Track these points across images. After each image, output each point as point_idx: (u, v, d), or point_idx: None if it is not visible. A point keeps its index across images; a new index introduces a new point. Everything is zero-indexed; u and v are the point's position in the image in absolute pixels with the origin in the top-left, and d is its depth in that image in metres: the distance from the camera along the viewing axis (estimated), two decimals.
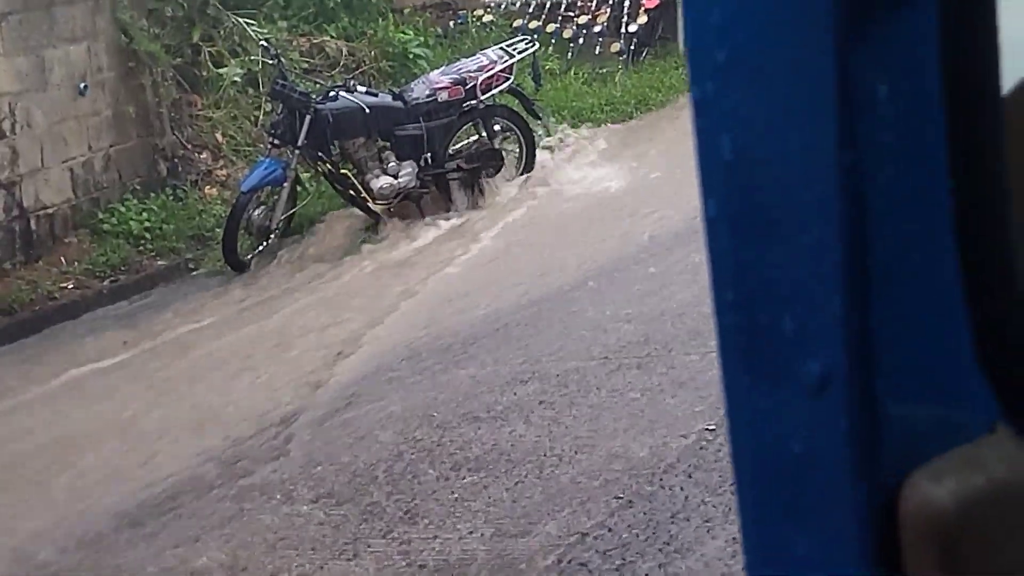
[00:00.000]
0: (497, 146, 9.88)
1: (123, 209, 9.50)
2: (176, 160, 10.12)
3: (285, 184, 9.09)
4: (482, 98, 9.70)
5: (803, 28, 0.70)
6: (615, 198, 9.46)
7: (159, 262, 9.13)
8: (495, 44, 10.66)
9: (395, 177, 9.37)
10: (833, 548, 0.77)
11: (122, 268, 8.96)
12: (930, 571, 0.73)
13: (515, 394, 6.05)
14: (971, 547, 0.73)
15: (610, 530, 4.68)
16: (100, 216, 9.41)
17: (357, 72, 11.41)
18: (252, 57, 10.60)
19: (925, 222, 0.73)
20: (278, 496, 5.37)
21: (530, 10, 13.48)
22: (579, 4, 13.39)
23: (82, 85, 9.42)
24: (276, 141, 9.19)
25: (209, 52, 10.54)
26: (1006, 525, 0.74)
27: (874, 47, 0.70)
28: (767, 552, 0.80)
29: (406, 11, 12.92)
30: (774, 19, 0.71)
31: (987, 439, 0.75)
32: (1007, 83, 0.74)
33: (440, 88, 9.60)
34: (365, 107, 9.24)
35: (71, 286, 8.68)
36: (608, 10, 13.18)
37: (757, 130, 0.73)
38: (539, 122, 10.54)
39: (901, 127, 0.72)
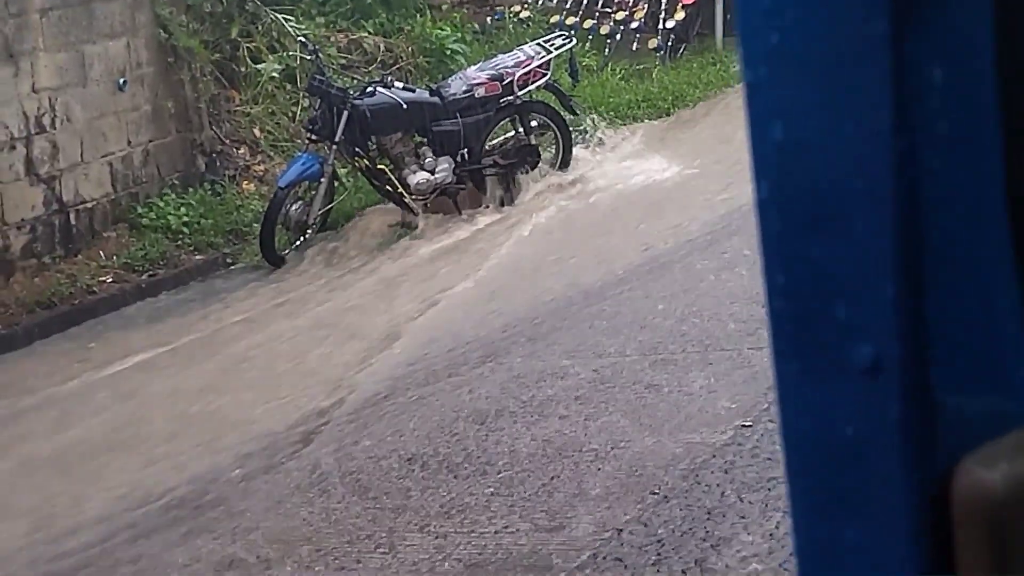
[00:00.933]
0: (534, 142, 9.87)
1: (161, 204, 9.57)
2: (214, 155, 10.18)
3: (322, 179, 9.12)
4: (519, 94, 9.70)
5: (857, 12, 0.70)
6: (651, 194, 9.44)
7: (197, 257, 9.19)
8: (532, 40, 10.65)
9: (432, 172, 9.39)
10: (885, 534, 0.76)
11: (160, 262, 9.02)
12: (981, 554, 0.72)
13: (551, 390, 6.05)
14: (1021, 530, 0.72)
15: (645, 525, 4.67)
16: (139, 211, 9.48)
17: (394, 68, 11.43)
18: (290, 53, 10.64)
19: (979, 209, 0.73)
20: (314, 489, 5.39)
21: (567, 6, 13.46)
22: (617, 1, 13.36)
23: (121, 80, 9.49)
24: (313, 136, 9.23)
25: (247, 48, 10.60)
26: None
27: (930, 32, 0.70)
28: (818, 539, 0.80)
29: (443, 7, 12.93)
30: (825, 2, 0.70)
31: None
32: None
33: (477, 84, 9.60)
34: (402, 103, 9.25)
35: (110, 280, 8.75)
36: (645, 6, 13.14)
37: (809, 115, 0.72)
38: (576, 118, 10.53)
39: (956, 113, 0.71)
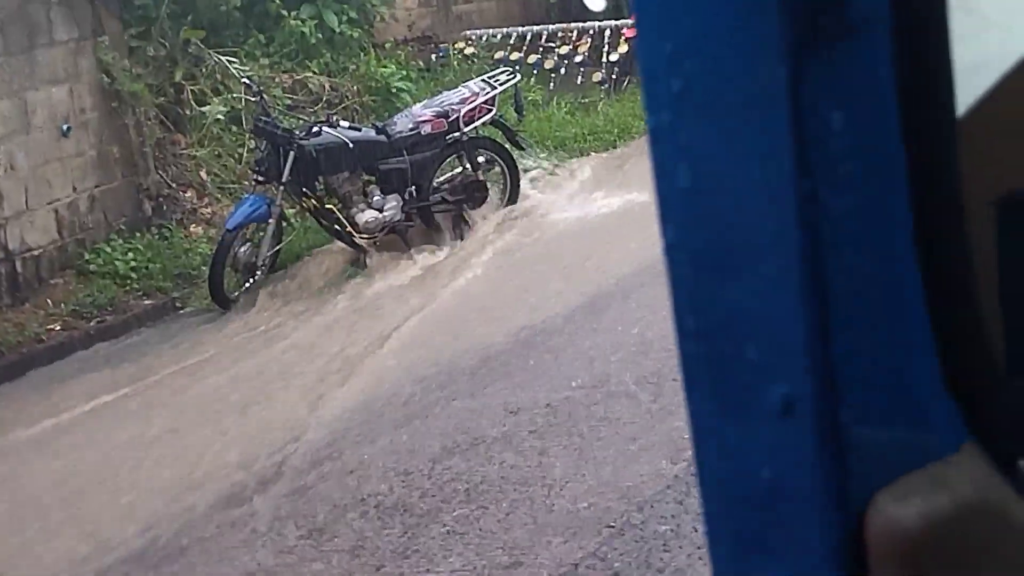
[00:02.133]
0: (481, 177, 9.90)
1: (109, 249, 9.49)
2: (161, 199, 10.13)
3: (270, 220, 9.09)
4: (465, 130, 9.73)
5: (754, 57, 0.70)
6: (600, 226, 9.48)
7: (146, 301, 9.12)
8: (477, 76, 10.70)
9: (380, 211, 9.38)
10: (803, 574, 0.76)
11: (109, 308, 8.93)
12: None
13: (504, 425, 6.04)
14: (937, 566, 0.73)
15: (602, 560, 4.67)
16: (86, 256, 9.40)
17: (340, 107, 11.44)
18: (235, 95, 10.62)
19: (885, 247, 0.73)
20: (269, 533, 5.34)
21: (511, 42, 13.54)
22: (560, 35, 13.46)
23: (65, 127, 9.43)
24: (260, 178, 9.20)
25: (192, 91, 10.57)
26: (973, 544, 0.74)
27: (827, 75, 0.70)
28: None
29: (387, 45, 12.96)
30: (725, 49, 0.71)
31: (953, 459, 0.75)
32: (961, 106, 0.74)
33: (423, 121, 9.63)
34: (349, 142, 9.25)
35: (58, 327, 8.66)
36: (589, 40, 13.25)
37: (713, 160, 0.73)
38: (523, 152, 10.57)
39: (858, 154, 0.72)
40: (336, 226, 9.38)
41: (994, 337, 0.79)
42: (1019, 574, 0.76)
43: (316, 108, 11.25)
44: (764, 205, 0.72)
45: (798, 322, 0.73)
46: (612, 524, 4.90)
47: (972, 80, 0.74)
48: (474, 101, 9.79)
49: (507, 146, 10.18)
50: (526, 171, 10.56)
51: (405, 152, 9.50)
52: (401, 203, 9.49)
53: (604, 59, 13.03)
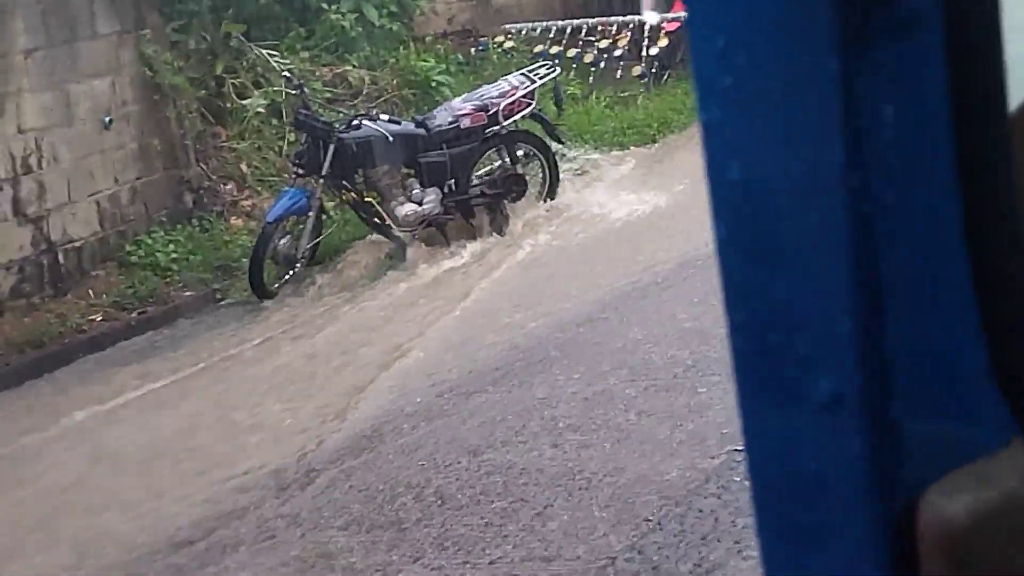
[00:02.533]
0: (520, 171, 9.90)
1: (150, 241, 9.57)
2: (201, 191, 10.19)
3: (310, 213, 9.13)
4: (504, 124, 9.72)
5: (806, 51, 0.71)
6: (639, 221, 9.47)
7: (186, 293, 9.18)
8: (517, 70, 10.70)
9: (419, 204, 9.40)
10: (851, 568, 0.77)
11: (150, 300, 9.01)
12: None
13: (543, 418, 6.05)
14: (986, 561, 0.73)
15: (640, 553, 4.67)
16: (127, 248, 9.47)
17: (380, 100, 11.47)
18: (275, 88, 10.67)
19: (935, 241, 0.74)
20: (306, 524, 5.37)
21: (551, 35, 13.52)
22: (600, 28, 13.43)
23: (107, 119, 9.51)
24: (300, 171, 9.24)
25: (233, 84, 10.63)
26: (1020, 539, 0.74)
27: (879, 69, 0.71)
28: (787, 572, 0.80)
29: (427, 39, 12.99)
30: (777, 43, 0.72)
31: (1002, 454, 0.75)
32: (1013, 101, 0.74)
33: (462, 115, 9.64)
34: (388, 135, 9.28)
35: (99, 318, 8.74)
36: (629, 34, 13.21)
37: (764, 154, 0.73)
38: (562, 146, 10.56)
39: (908, 148, 0.72)
40: (375, 219, 9.41)
41: None
42: None
43: (356, 101, 11.29)
44: (815, 199, 0.72)
45: (847, 316, 0.73)
46: (650, 518, 4.89)
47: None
48: (513, 95, 9.79)
49: (546, 140, 10.18)
50: (565, 165, 10.55)
51: (444, 146, 9.52)
52: (440, 196, 9.51)
53: (644, 53, 12.99)
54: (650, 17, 12.73)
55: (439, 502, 5.35)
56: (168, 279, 9.28)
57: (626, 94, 12.70)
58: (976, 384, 0.76)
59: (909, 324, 0.74)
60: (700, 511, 4.87)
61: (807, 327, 0.75)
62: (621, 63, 13.08)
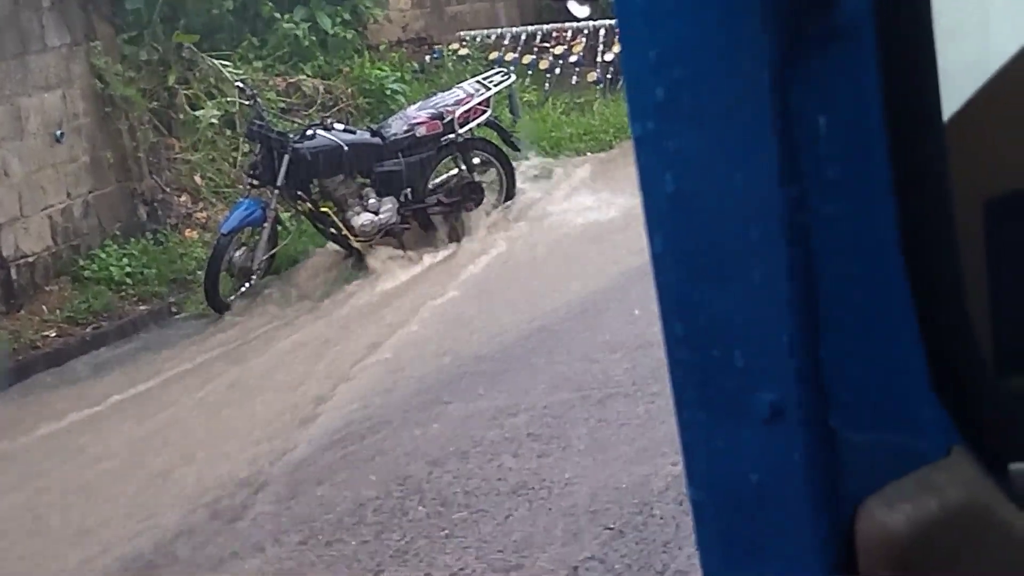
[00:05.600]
0: (477, 179, 9.89)
1: (103, 255, 9.48)
2: (155, 204, 10.11)
3: (265, 224, 9.08)
4: (460, 132, 9.72)
5: (739, 65, 0.70)
6: (596, 228, 9.47)
7: (141, 307, 9.10)
8: (472, 77, 10.69)
9: (376, 213, 9.37)
10: None
11: (104, 314, 8.92)
12: None
13: (503, 427, 6.03)
14: (926, 571, 0.72)
15: (602, 561, 4.66)
16: (81, 263, 9.38)
17: (334, 110, 11.43)
18: (228, 98, 10.61)
19: (872, 252, 0.73)
20: (268, 539, 5.32)
21: (505, 42, 13.53)
22: (555, 35, 13.45)
23: (58, 132, 9.42)
24: (255, 181, 9.19)
25: (185, 95, 10.55)
26: (961, 548, 0.74)
27: (812, 80, 0.70)
28: None
29: (381, 47, 12.95)
30: (710, 56, 0.71)
31: (942, 463, 0.75)
32: (948, 109, 0.74)
33: (418, 123, 9.62)
34: (343, 145, 9.24)
35: (53, 334, 8.64)
36: (583, 40, 13.24)
37: (699, 167, 0.73)
38: (518, 154, 10.56)
39: (844, 158, 0.72)
40: (332, 229, 9.37)
41: (983, 340, 0.78)
42: (1007, 572, 0.76)
43: (310, 111, 11.24)
44: (750, 212, 0.72)
45: (785, 329, 0.72)
46: (611, 526, 4.89)
47: (960, 81, 0.74)
48: (469, 102, 9.78)
49: (502, 147, 10.18)
50: (522, 172, 10.55)
51: (400, 154, 9.49)
52: (397, 205, 9.48)
53: (599, 59, 13.03)
54: (579, 11, 12.68)
55: (399, 515, 5.32)
56: (122, 293, 9.20)
57: (582, 100, 12.72)
58: (916, 394, 0.75)
59: (848, 336, 0.74)
60: (661, 518, 4.87)
61: (745, 340, 0.74)
62: (576, 69, 13.11)
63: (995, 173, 0.79)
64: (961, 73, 0.74)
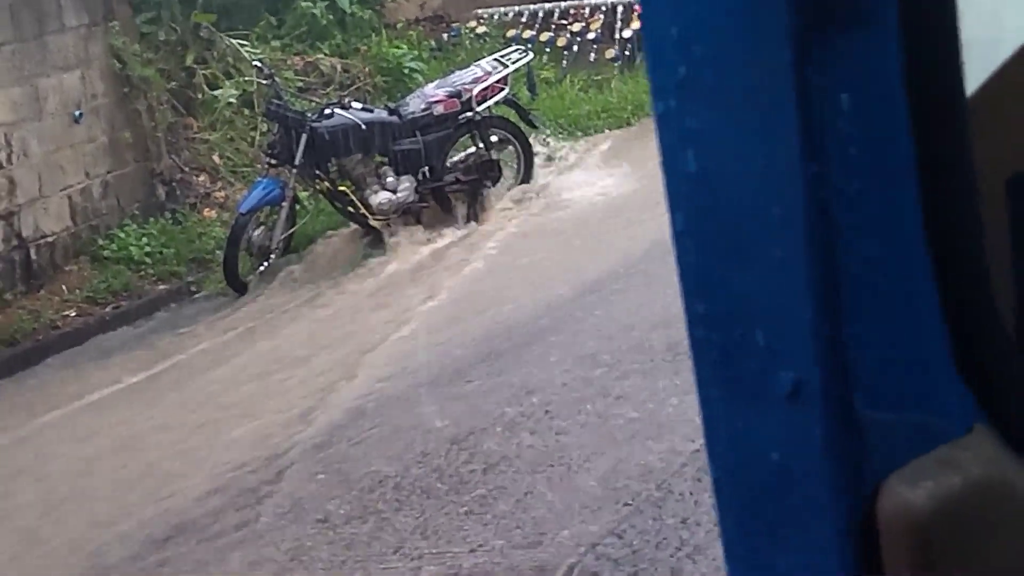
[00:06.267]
0: (495, 157, 9.87)
1: (123, 235, 9.51)
2: (174, 184, 10.13)
3: (284, 203, 9.09)
4: (478, 109, 9.69)
5: (761, 42, 0.70)
6: (614, 205, 9.45)
7: (160, 286, 9.14)
8: (489, 55, 10.66)
9: (394, 192, 9.37)
10: (816, 557, 0.76)
11: (124, 294, 8.96)
12: (908, 574, 0.72)
13: (521, 406, 6.04)
14: (949, 548, 0.73)
15: (620, 537, 4.67)
16: (100, 243, 9.42)
17: (352, 89, 11.42)
18: (246, 78, 10.61)
19: (894, 230, 0.73)
20: (287, 518, 5.35)
21: (523, 20, 13.48)
22: (572, 12, 13.40)
23: (77, 113, 9.44)
24: (273, 161, 9.20)
25: (203, 75, 10.56)
26: (984, 525, 0.74)
27: (835, 58, 0.70)
28: (750, 566, 0.79)
29: (399, 26, 12.93)
30: (732, 34, 0.71)
31: (964, 440, 0.75)
32: (970, 86, 0.73)
33: (435, 101, 9.60)
34: (361, 123, 9.24)
35: (73, 314, 8.68)
36: (601, 17, 13.18)
37: (720, 145, 0.73)
38: (536, 131, 10.54)
39: (866, 136, 0.71)
40: (350, 208, 9.38)
41: (1006, 317, 0.78)
42: None
43: (328, 90, 11.24)
44: (771, 190, 0.71)
45: (806, 307, 0.72)
46: (630, 502, 4.89)
47: (980, 59, 0.73)
48: (486, 80, 9.75)
49: (520, 125, 10.15)
50: (540, 150, 10.52)
51: (418, 133, 9.48)
52: (415, 184, 9.48)
53: (617, 36, 12.97)
54: None
55: (419, 492, 5.34)
56: (142, 273, 9.23)
57: (600, 77, 12.67)
58: (938, 372, 0.75)
59: (870, 314, 0.73)
60: (679, 494, 4.88)
61: (767, 318, 0.74)
62: (594, 46, 13.06)
63: (1018, 150, 0.79)
64: (984, 49, 0.73)
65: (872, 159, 0.71)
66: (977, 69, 0.73)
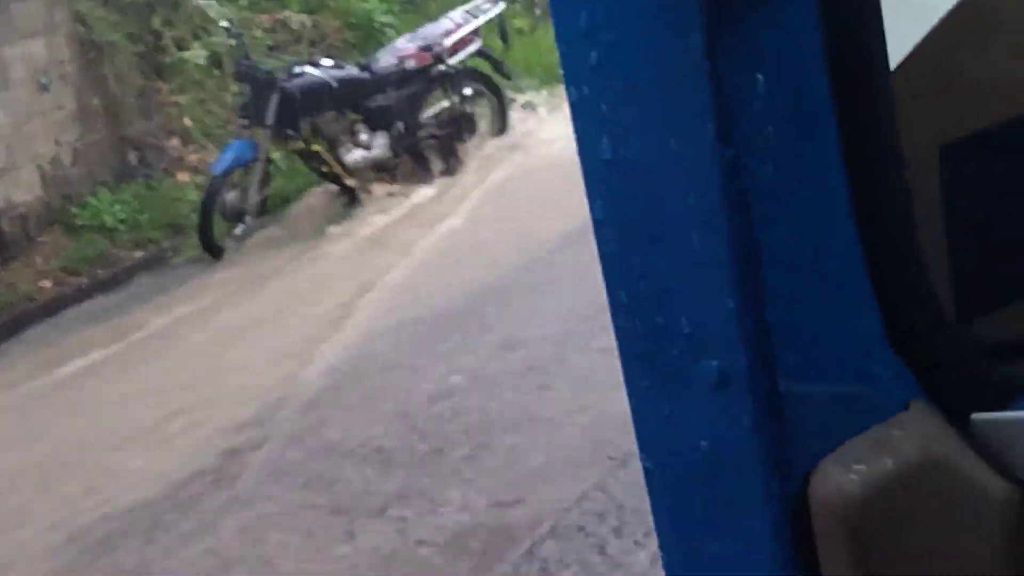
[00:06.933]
0: (469, 110, 9.81)
1: (95, 202, 9.42)
2: (145, 149, 10.04)
3: (257, 164, 9.02)
4: (451, 62, 9.62)
5: (671, 25, 0.67)
6: None
7: (136, 253, 9.08)
8: (461, 6, 10.56)
9: (368, 149, 9.31)
10: (748, 544, 0.75)
11: (99, 262, 8.89)
12: (842, 559, 0.71)
13: (502, 362, 6.03)
14: (882, 532, 0.71)
15: (605, 492, 4.68)
16: (72, 211, 9.33)
17: (322, 45, 11.31)
18: (214, 38, 10.49)
19: (818, 209, 0.70)
20: (270, 482, 5.34)
21: None
22: None
23: (44, 80, 9.32)
24: (245, 122, 9.12)
25: (171, 37, 10.44)
26: (920, 504, 0.72)
27: (747, 40, 0.67)
28: (684, 554, 0.78)
29: None
30: (640, 18, 0.68)
31: (898, 419, 0.73)
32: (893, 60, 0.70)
33: (407, 56, 9.52)
34: (332, 81, 9.16)
35: (49, 284, 8.62)
36: None
37: (635, 131, 0.70)
38: (510, 82, 10.46)
39: (783, 116, 0.69)
40: (324, 167, 9.31)
41: (941, 287, 0.76)
42: (970, 526, 0.74)
43: (298, 47, 11.12)
44: (687, 176, 0.69)
45: (728, 294, 0.70)
46: (613, 456, 4.89)
47: (911, 29, 0.70)
48: (458, 32, 9.67)
49: (494, 76, 10.08)
50: (514, 101, 10.45)
51: (390, 88, 9.41)
52: (389, 140, 9.41)
53: None
54: None
55: (400, 452, 5.33)
56: (116, 240, 9.16)
57: None
58: (870, 349, 0.73)
59: (796, 295, 0.72)
60: None
61: (689, 306, 0.72)
62: None
63: (947, 119, 0.76)
64: (910, 19, 0.70)
65: (790, 139, 0.69)
66: (903, 39, 0.70)
